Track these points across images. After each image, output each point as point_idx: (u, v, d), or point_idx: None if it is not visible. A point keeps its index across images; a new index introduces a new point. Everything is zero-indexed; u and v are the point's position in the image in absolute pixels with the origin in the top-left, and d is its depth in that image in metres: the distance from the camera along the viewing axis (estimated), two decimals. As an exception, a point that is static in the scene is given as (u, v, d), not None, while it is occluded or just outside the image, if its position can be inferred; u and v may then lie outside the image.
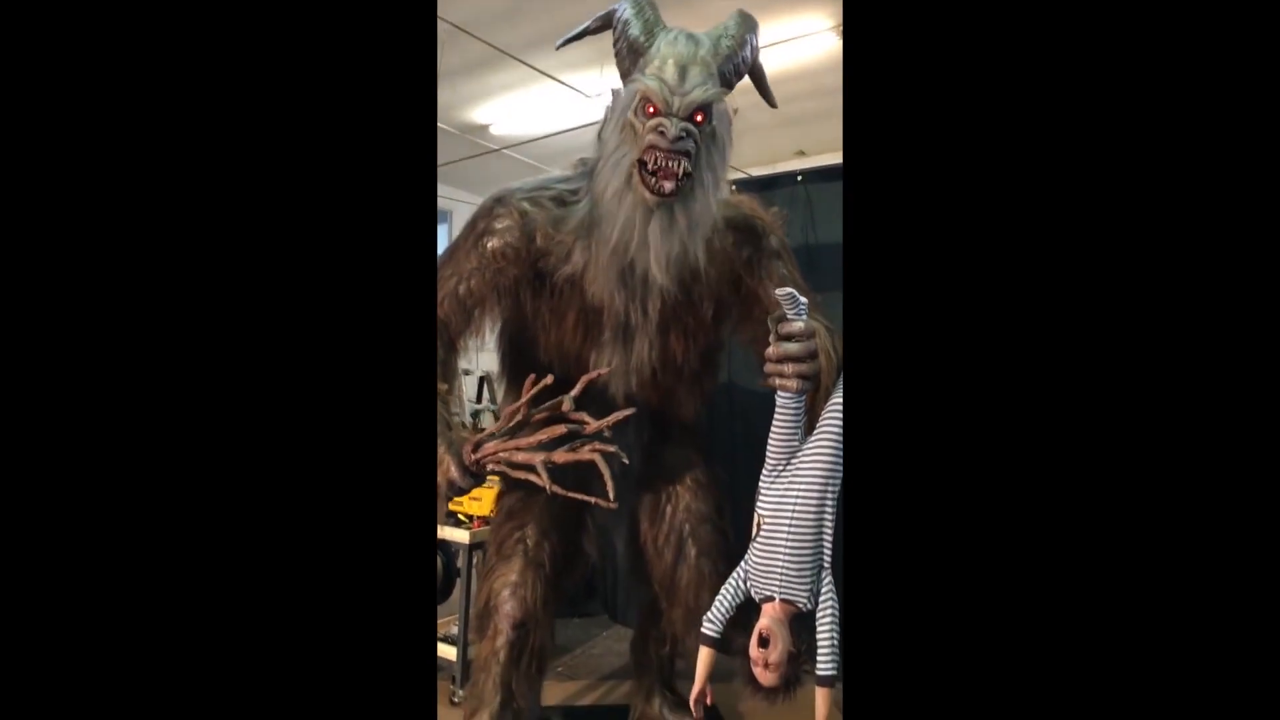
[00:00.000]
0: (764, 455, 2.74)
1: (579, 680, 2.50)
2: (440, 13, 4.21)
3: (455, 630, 2.32)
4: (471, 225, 1.62)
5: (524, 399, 1.44)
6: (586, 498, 1.43)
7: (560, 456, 1.40)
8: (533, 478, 1.41)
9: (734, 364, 2.62)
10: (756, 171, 4.28)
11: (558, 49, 1.69)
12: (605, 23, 1.51)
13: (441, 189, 7.62)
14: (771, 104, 1.66)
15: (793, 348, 1.39)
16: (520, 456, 1.41)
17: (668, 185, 1.37)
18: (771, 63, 4.25)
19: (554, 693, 2.35)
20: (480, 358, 1.88)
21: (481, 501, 2.36)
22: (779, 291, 1.46)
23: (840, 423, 1.38)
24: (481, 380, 3.50)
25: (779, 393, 1.42)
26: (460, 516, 2.51)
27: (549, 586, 1.69)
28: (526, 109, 5.62)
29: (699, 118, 1.38)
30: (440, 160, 6.14)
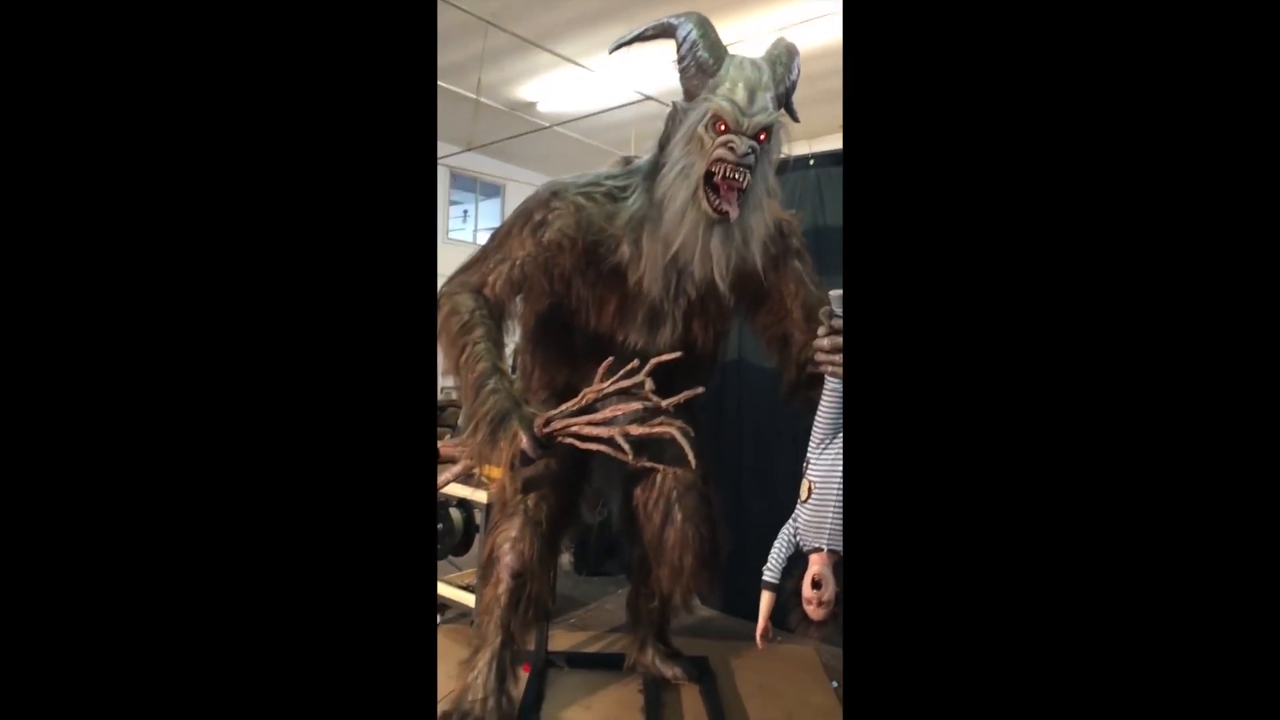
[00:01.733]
0: (764, 436, 2.86)
1: (589, 631, 2.72)
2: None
3: (475, 581, 2.55)
4: (527, 215, 1.77)
5: (600, 383, 1.63)
6: (661, 466, 1.66)
7: (636, 430, 1.58)
8: (609, 450, 1.60)
9: (745, 348, 2.75)
10: (796, 149, 4.32)
11: (611, 53, 1.83)
12: (661, 32, 1.67)
13: (494, 165, 7.83)
14: (795, 118, 1.79)
15: (842, 340, 1.58)
16: (592, 430, 1.60)
17: (732, 211, 1.56)
18: (807, 39, 4.28)
19: (563, 640, 2.57)
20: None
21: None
22: (833, 293, 1.64)
23: None
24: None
25: (829, 378, 1.61)
26: (482, 478, 2.73)
27: (545, 542, 1.89)
28: (571, 87, 5.74)
29: (762, 137, 1.57)
30: (491, 137, 6.31)
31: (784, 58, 1.66)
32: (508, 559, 1.85)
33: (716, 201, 1.55)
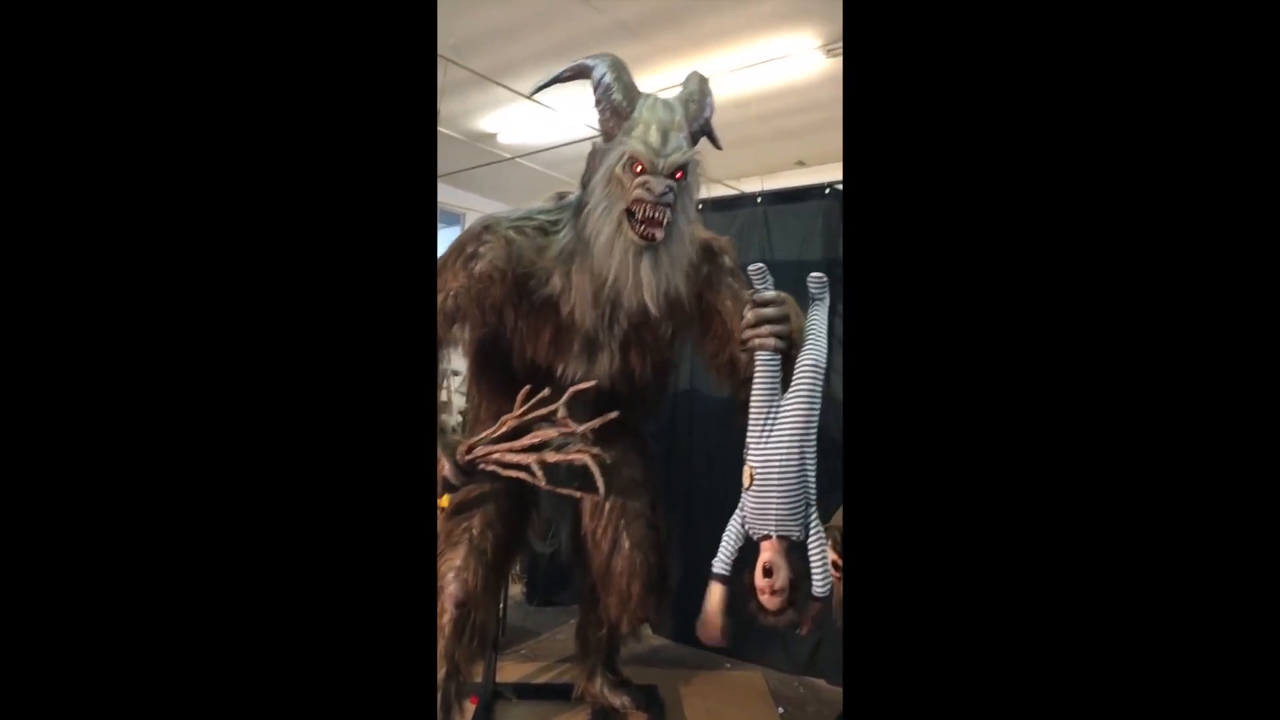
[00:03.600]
0: (716, 463, 2.90)
1: (539, 661, 2.70)
2: (441, 33, 4.42)
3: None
4: (460, 248, 1.82)
5: (518, 410, 1.66)
6: (575, 493, 1.65)
7: (552, 457, 1.62)
8: (526, 476, 1.62)
9: (696, 376, 2.81)
10: (748, 185, 4.45)
11: (531, 96, 1.93)
12: (578, 74, 1.73)
13: (454, 194, 7.85)
14: (717, 146, 1.86)
15: (768, 311, 1.67)
16: (512, 458, 1.62)
17: (658, 234, 1.60)
18: (766, 79, 4.40)
19: (513, 671, 2.55)
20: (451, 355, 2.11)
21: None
22: (751, 267, 1.71)
23: (811, 377, 1.64)
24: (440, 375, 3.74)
25: (758, 354, 1.67)
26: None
27: (490, 571, 1.90)
28: (532, 120, 5.82)
29: (678, 175, 1.62)
30: (453, 167, 6.34)
31: (696, 95, 1.73)
32: (451, 588, 1.85)
33: (641, 229, 1.60)
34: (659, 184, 1.57)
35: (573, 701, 2.28)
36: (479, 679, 2.17)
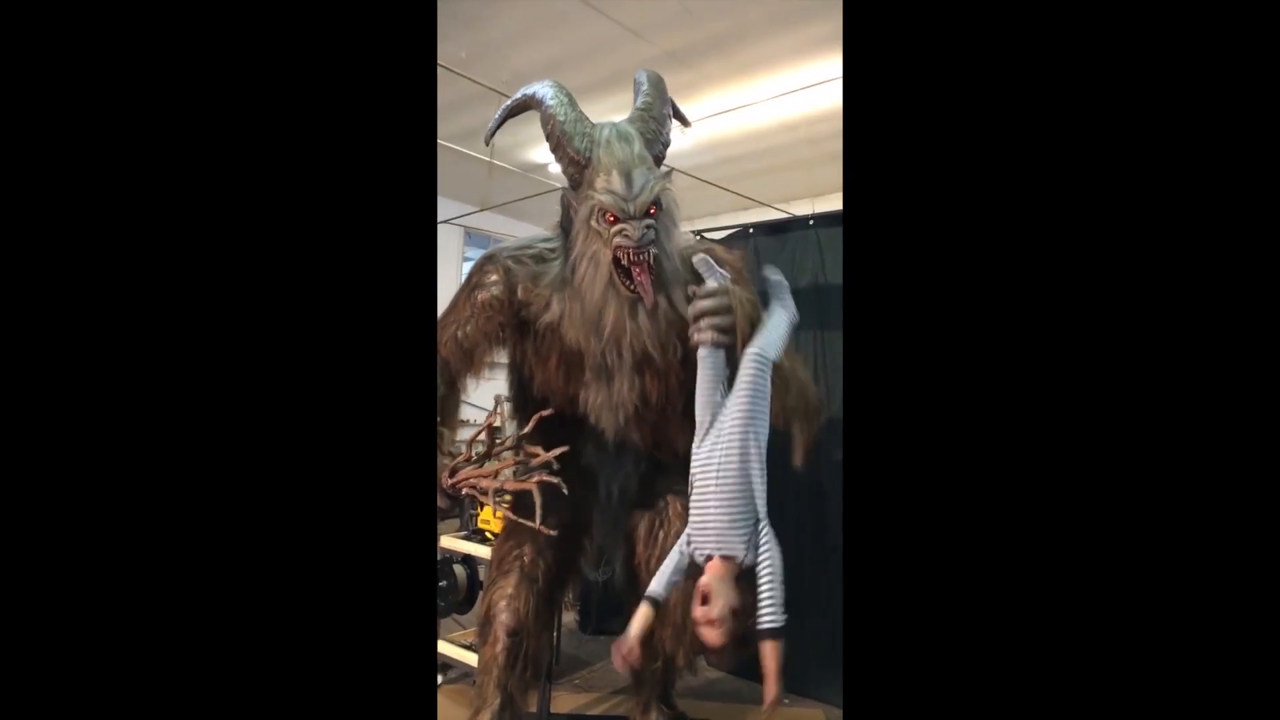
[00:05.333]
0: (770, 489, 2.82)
1: (593, 693, 2.67)
2: (493, 68, 4.55)
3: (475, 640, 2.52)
4: (467, 280, 1.88)
5: (481, 428, 1.70)
6: (530, 523, 1.61)
7: (511, 485, 1.62)
8: (485, 499, 1.64)
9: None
10: (797, 208, 4.42)
11: (486, 143, 1.97)
12: (524, 106, 1.74)
13: (507, 224, 8.03)
14: (685, 124, 1.86)
15: (707, 303, 1.61)
16: (484, 483, 1.62)
17: (648, 299, 1.57)
18: (814, 102, 4.37)
19: (567, 702, 2.52)
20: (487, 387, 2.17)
21: (505, 521, 2.57)
22: (695, 258, 1.66)
23: (754, 370, 1.53)
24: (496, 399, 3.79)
25: (699, 349, 1.60)
26: (487, 534, 2.73)
27: (541, 600, 1.88)
28: (581, 149, 5.95)
29: (652, 211, 1.59)
30: (505, 198, 6.48)
31: (650, 96, 1.70)
32: (503, 617, 1.84)
33: (631, 285, 1.59)
34: (636, 230, 1.55)
35: (627, 735, 2.23)
36: (533, 709, 2.14)
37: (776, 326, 1.63)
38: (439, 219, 6.37)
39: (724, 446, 1.51)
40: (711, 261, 1.68)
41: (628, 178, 1.57)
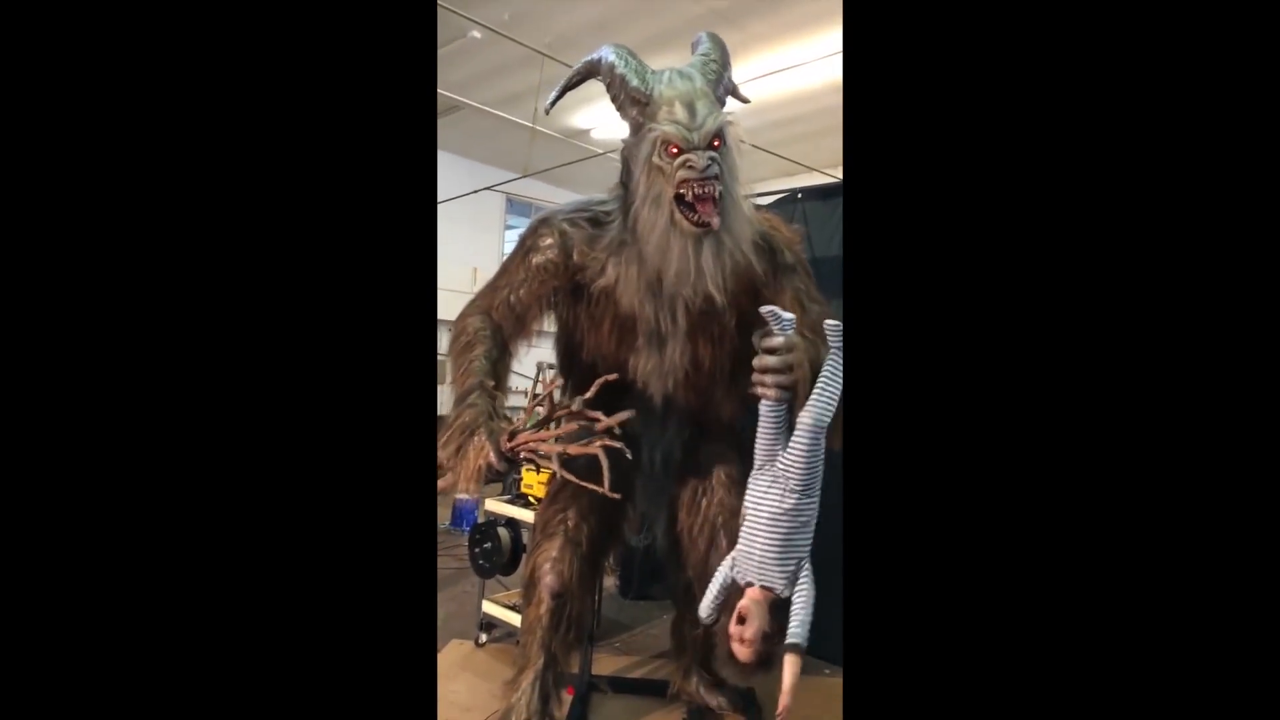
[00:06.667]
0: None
1: (633, 655, 2.70)
2: (538, 31, 4.48)
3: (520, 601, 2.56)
4: (521, 243, 1.85)
5: (543, 394, 1.66)
6: (593, 486, 1.59)
7: (574, 449, 1.60)
8: (548, 464, 1.62)
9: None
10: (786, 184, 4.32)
11: (546, 113, 1.91)
12: (588, 73, 1.69)
13: (549, 190, 8.02)
14: (743, 100, 1.80)
15: (771, 360, 1.57)
16: (544, 448, 1.62)
17: (714, 220, 1.54)
18: (812, 78, 4.23)
19: (608, 664, 2.55)
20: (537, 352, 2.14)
21: (548, 486, 2.59)
22: (762, 309, 1.62)
23: (810, 437, 1.53)
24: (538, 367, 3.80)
25: (761, 401, 1.58)
26: (530, 499, 2.76)
27: (585, 563, 1.89)
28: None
29: (716, 143, 1.55)
30: (547, 164, 6.47)
31: (711, 51, 1.65)
32: (548, 579, 1.86)
33: (695, 216, 1.54)
34: (701, 159, 1.51)
35: (667, 699, 2.26)
36: (575, 670, 2.18)
37: (831, 391, 1.58)
38: (481, 187, 6.38)
39: (778, 492, 1.55)
40: (779, 312, 1.62)
41: (690, 108, 1.54)
